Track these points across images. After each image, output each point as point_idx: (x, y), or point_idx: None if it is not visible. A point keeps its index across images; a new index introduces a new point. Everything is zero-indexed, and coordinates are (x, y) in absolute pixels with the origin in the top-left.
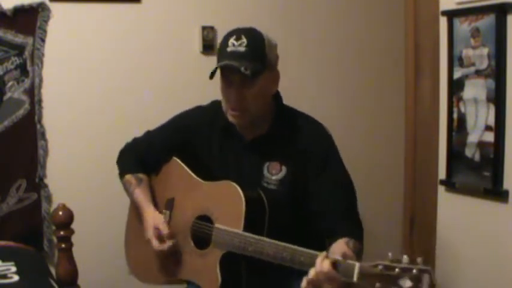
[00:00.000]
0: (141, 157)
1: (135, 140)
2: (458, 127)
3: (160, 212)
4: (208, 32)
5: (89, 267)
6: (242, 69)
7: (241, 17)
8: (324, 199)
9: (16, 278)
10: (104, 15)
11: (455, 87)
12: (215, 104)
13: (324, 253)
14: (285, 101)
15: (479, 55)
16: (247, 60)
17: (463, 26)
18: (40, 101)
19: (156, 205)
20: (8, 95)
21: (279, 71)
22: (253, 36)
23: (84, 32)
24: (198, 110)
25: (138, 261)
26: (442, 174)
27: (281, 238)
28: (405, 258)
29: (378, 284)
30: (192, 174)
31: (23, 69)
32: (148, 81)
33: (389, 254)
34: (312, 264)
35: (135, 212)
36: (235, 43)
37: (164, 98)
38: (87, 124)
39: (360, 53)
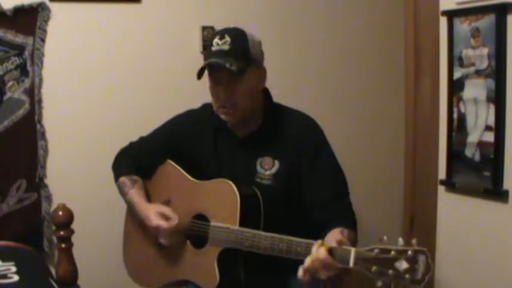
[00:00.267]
0: (136, 161)
1: (129, 145)
2: (458, 127)
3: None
4: (208, 32)
5: (89, 267)
6: (227, 65)
7: (241, 17)
8: (316, 190)
9: (16, 278)
10: (104, 15)
11: (455, 87)
12: (206, 106)
13: (319, 241)
14: (285, 101)
15: (479, 55)
16: (231, 57)
17: (463, 26)
18: (40, 101)
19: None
20: (8, 95)
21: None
22: (236, 35)
23: (84, 32)
24: (189, 113)
25: (137, 266)
26: (442, 174)
27: (277, 232)
28: (400, 240)
29: (374, 268)
30: (187, 175)
31: (23, 69)
32: (148, 81)
33: (384, 238)
34: (308, 253)
35: (132, 217)
36: (219, 42)
37: (164, 98)
38: (87, 124)
39: (360, 53)
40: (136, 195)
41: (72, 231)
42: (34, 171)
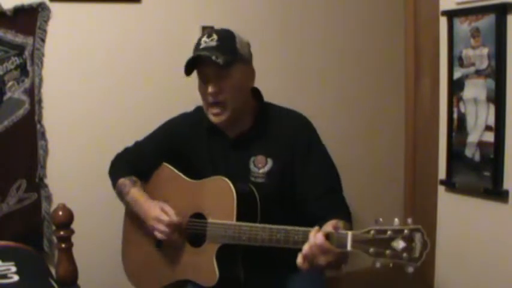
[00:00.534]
0: (132, 166)
1: (124, 151)
2: (458, 127)
3: None
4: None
5: (89, 267)
6: (213, 57)
7: (241, 17)
8: (310, 186)
9: (16, 278)
10: (104, 15)
11: (455, 87)
12: (199, 109)
13: (316, 227)
14: (285, 101)
15: (479, 55)
16: (217, 51)
17: (463, 26)
18: (40, 101)
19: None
20: (8, 95)
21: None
22: (223, 32)
23: (84, 32)
24: (183, 116)
25: (136, 270)
26: (442, 174)
27: None
28: (396, 221)
29: (371, 250)
30: (183, 176)
31: (23, 69)
32: (148, 81)
33: (380, 219)
34: (306, 240)
35: (131, 219)
36: (207, 40)
37: (164, 98)
38: (87, 124)
39: (360, 53)
40: (137, 193)
41: (72, 231)
42: (34, 171)
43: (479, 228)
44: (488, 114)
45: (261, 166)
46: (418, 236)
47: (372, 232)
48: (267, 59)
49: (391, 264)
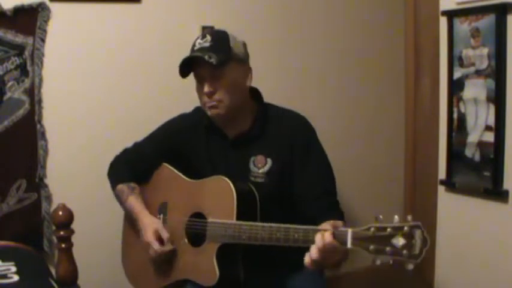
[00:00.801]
0: (132, 168)
1: (125, 152)
2: (458, 127)
3: (155, 217)
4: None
5: (89, 267)
6: (206, 57)
7: (241, 17)
8: (307, 186)
9: (16, 278)
10: (104, 15)
11: (455, 87)
12: (198, 110)
13: (322, 232)
14: (285, 102)
15: (479, 55)
16: (211, 51)
17: (463, 26)
18: (40, 101)
19: (149, 211)
20: (8, 95)
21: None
22: (217, 33)
23: (84, 32)
24: (182, 117)
25: (136, 271)
26: (442, 174)
27: None
28: (396, 218)
29: (371, 247)
30: (182, 176)
31: (23, 69)
32: (148, 81)
33: (380, 216)
34: (306, 238)
35: (130, 222)
36: (201, 41)
37: (164, 98)
38: (87, 124)
39: (360, 53)
40: (135, 202)
41: (72, 231)
42: (34, 171)
43: (479, 228)
44: (488, 114)
45: (260, 166)
46: (418, 233)
47: (372, 229)
48: (267, 59)
49: (391, 261)
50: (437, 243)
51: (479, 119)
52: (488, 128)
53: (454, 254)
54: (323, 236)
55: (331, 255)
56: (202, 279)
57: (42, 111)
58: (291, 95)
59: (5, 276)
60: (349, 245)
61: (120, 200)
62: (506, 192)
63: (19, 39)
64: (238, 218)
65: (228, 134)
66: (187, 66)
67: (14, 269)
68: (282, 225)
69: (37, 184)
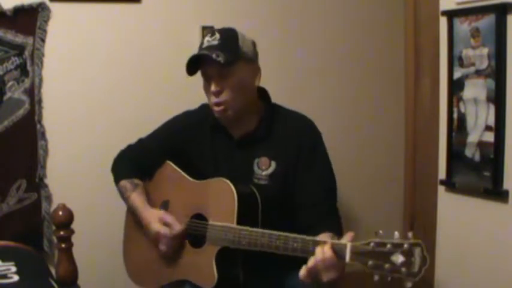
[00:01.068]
0: (135, 164)
1: (129, 147)
2: (458, 127)
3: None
4: (208, 32)
5: (89, 267)
6: (213, 56)
7: (241, 17)
8: (307, 192)
9: (16, 278)
10: (104, 15)
11: (455, 87)
12: (204, 107)
13: (322, 244)
14: (285, 102)
15: (479, 55)
16: (219, 50)
17: (463, 26)
18: (40, 101)
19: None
20: (8, 95)
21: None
22: (226, 32)
23: (84, 32)
24: (187, 114)
25: (137, 268)
26: (442, 174)
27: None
28: (396, 234)
29: (370, 262)
30: (185, 175)
31: (23, 69)
32: (149, 81)
33: (380, 231)
34: (304, 249)
35: (132, 218)
36: (210, 39)
37: (164, 98)
38: (87, 124)
39: (360, 53)
40: (137, 199)
41: (72, 231)
42: (34, 171)
43: (479, 228)
44: (488, 114)
45: (264, 168)
46: (417, 251)
47: (372, 244)
48: (267, 59)
49: (389, 278)
50: (437, 243)
51: (479, 119)
52: (488, 128)
53: (454, 254)
54: (323, 248)
55: (329, 269)
56: (201, 281)
57: (42, 111)
58: (290, 94)
59: (5, 276)
60: (347, 259)
61: (123, 196)
62: (506, 192)
63: (19, 39)
64: (238, 221)
65: (234, 133)
66: (194, 64)
67: (14, 269)
68: (282, 234)
69: (37, 184)
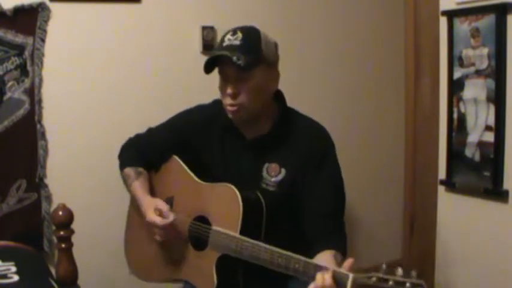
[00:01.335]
0: (143, 153)
1: (137, 136)
2: (458, 127)
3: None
4: (208, 32)
5: (88, 267)
6: (234, 58)
7: (241, 16)
8: (315, 203)
9: (16, 278)
10: (104, 15)
11: (455, 87)
12: (217, 103)
13: (323, 271)
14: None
15: (479, 55)
16: (240, 52)
17: (463, 26)
18: (40, 101)
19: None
20: (8, 95)
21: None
22: (249, 32)
23: (84, 32)
24: (199, 109)
25: (138, 259)
26: (442, 174)
27: (279, 240)
28: (399, 270)
29: None
30: (192, 175)
31: (23, 69)
32: (148, 81)
33: (384, 266)
34: (306, 271)
35: (134, 208)
36: (231, 38)
37: (164, 98)
38: (87, 124)
39: (360, 53)
40: (139, 188)
41: (72, 231)
42: (34, 171)
43: (479, 228)
44: (488, 114)
45: (273, 174)
46: None
47: (374, 279)
48: None
49: None
50: (437, 243)
51: (479, 119)
52: (488, 128)
53: (454, 254)
54: (324, 275)
55: None
56: (200, 285)
57: (42, 111)
58: (290, 94)
59: (5, 276)
60: None
61: (126, 183)
62: (506, 192)
63: (19, 39)
64: (242, 229)
65: (246, 134)
66: (212, 61)
67: (14, 269)
68: (285, 253)
69: (37, 184)
